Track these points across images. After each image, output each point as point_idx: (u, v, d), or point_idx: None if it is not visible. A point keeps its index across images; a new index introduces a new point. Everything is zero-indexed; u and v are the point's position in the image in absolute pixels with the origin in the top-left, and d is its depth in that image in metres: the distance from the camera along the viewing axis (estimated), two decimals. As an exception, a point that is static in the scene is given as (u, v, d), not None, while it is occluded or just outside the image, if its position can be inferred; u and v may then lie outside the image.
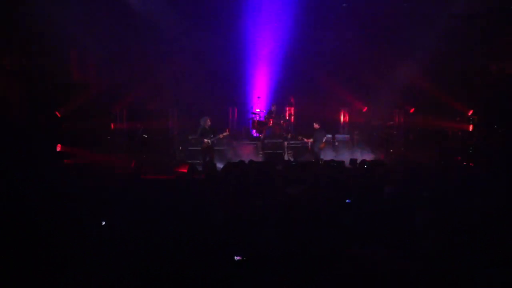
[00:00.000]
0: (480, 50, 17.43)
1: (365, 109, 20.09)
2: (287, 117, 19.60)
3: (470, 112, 17.64)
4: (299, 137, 17.42)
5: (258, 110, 18.68)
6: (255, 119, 18.54)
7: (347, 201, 6.81)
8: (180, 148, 17.63)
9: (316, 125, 16.62)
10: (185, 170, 12.35)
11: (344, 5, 17.41)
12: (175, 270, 4.04)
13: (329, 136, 17.51)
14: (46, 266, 4.12)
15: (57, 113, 16.16)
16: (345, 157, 15.17)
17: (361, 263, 3.46)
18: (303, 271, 3.83)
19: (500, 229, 4.86)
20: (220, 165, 11.94)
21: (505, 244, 4.40)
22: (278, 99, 19.18)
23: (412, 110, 19.21)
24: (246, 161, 12.29)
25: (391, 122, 19.68)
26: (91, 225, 5.26)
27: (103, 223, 5.32)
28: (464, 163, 15.90)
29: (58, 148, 15.48)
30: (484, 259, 4.10)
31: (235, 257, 4.42)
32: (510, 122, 15.92)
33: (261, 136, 18.27)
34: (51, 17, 14.33)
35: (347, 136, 18.75)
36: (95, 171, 12.63)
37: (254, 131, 18.56)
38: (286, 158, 16.94)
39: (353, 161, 13.33)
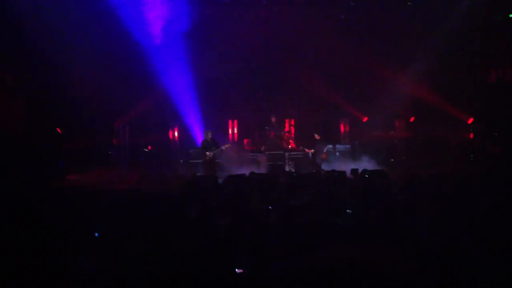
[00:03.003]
0: (479, 59, 17.52)
1: (365, 119, 20.15)
2: (288, 129, 19.65)
3: (470, 120, 17.70)
4: (300, 147, 17.46)
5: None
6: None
7: (347, 211, 6.83)
8: (182, 161, 17.65)
9: (317, 136, 16.65)
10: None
11: (342, 16, 17.51)
12: (178, 275, 4.07)
13: (330, 146, 17.52)
14: (47, 266, 4.18)
15: (58, 129, 16.24)
16: (346, 167, 15.16)
17: (361, 263, 3.47)
18: (303, 272, 3.86)
19: (500, 229, 4.91)
20: (221, 178, 11.95)
21: (506, 243, 4.45)
22: (278, 111, 19.18)
23: (412, 119, 19.28)
24: (248, 173, 12.34)
25: (392, 132, 19.74)
26: (93, 228, 5.30)
27: (96, 234, 5.34)
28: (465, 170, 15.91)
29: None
30: (485, 258, 4.14)
31: (237, 270, 4.44)
32: (509, 130, 15.97)
33: (262, 148, 18.30)
34: (53, 33, 14.45)
35: (348, 146, 18.75)
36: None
37: None
38: (287, 169, 16.92)
39: (354, 171, 13.34)
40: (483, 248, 4.32)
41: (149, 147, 17.65)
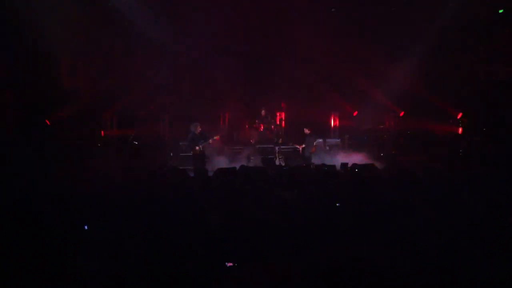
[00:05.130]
0: (470, 55, 17.59)
1: (355, 113, 20.20)
2: (278, 122, 19.63)
3: (459, 115, 17.80)
4: (290, 143, 17.54)
5: None
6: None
7: (337, 204, 6.83)
8: (171, 154, 17.53)
9: (306, 131, 16.68)
10: None
11: (333, 10, 17.44)
12: (177, 274, 4.05)
13: (320, 140, 17.53)
14: (47, 266, 4.15)
15: (46, 120, 16.05)
16: (336, 161, 15.17)
17: (360, 263, 3.47)
18: (300, 272, 3.85)
19: (499, 227, 4.93)
20: (211, 171, 11.89)
21: (505, 243, 4.48)
22: (269, 104, 19.14)
23: (402, 113, 19.36)
24: (237, 167, 12.30)
25: (382, 126, 19.80)
26: (85, 226, 5.27)
27: (86, 227, 5.29)
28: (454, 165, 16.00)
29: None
30: (484, 257, 4.16)
31: (226, 264, 4.43)
32: (498, 125, 16.09)
33: (252, 141, 18.28)
34: (42, 25, 14.26)
35: (338, 140, 18.79)
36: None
37: None
38: (277, 163, 16.92)
39: (344, 165, 13.34)
40: (482, 248, 4.34)
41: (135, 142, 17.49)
